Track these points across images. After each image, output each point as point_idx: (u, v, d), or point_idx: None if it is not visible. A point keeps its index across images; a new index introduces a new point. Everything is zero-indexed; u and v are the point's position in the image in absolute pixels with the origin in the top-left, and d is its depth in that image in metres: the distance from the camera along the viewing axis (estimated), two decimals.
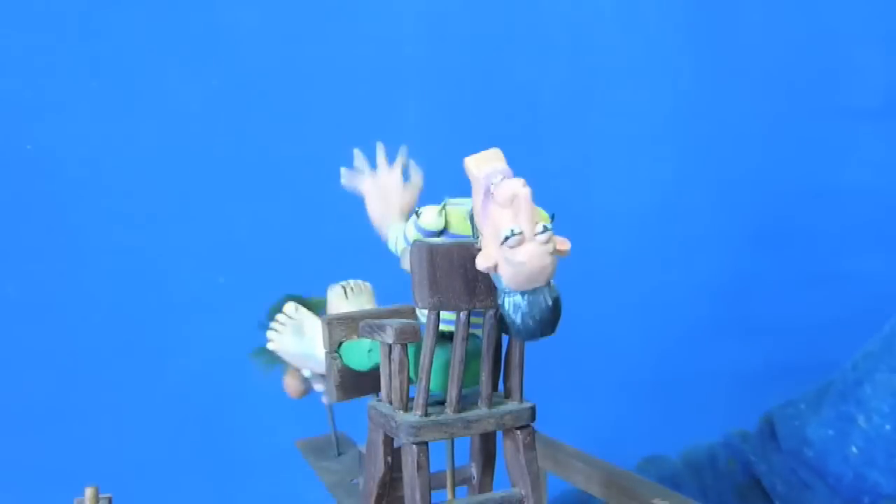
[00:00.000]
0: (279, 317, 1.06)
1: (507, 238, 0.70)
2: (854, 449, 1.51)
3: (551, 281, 0.73)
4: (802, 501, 1.55)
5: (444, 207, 0.83)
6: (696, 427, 1.94)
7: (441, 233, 0.83)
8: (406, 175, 1.02)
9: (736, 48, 2.10)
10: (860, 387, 1.54)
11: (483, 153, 0.75)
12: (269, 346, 1.07)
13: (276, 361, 1.12)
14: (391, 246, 0.94)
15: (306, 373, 1.09)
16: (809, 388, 1.67)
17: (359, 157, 1.04)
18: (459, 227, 0.82)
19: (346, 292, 1.05)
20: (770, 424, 1.67)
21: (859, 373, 1.56)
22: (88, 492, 1.00)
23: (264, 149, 1.76)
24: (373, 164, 1.04)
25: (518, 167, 0.75)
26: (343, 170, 1.04)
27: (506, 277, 0.72)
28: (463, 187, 0.78)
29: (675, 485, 1.63)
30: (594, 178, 2.00)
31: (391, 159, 1.04)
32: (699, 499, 1.45)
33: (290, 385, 1.15)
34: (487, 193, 0.73)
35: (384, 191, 1.01)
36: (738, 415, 2.02)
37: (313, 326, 1.02)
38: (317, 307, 1.09)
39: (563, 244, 0.73)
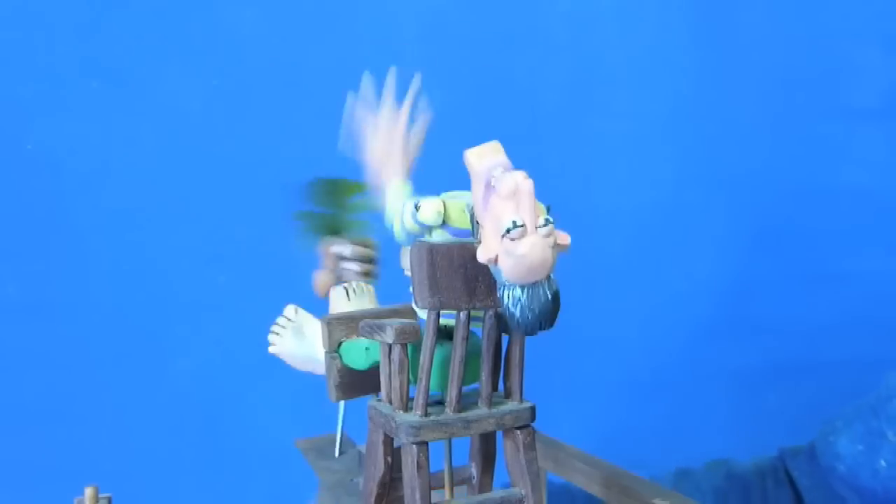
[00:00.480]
0: (279, 320, 1.06)
1: (508, 230, 0.70)
2: (883, 463, 1.52)
3: (551, 275, 0.73)
4: None
5: (442, 201, 0.83)
6: (696, 427, 1.94)
7: (440, 226, 0.83)
8: (412, 120, 0.95)
9: (736, 48, 2.10)
10: (890, 402, 1.56)
11: (483, 145, 0.76)
12: (270, 349, 1.06)
13: (317, 233, 1.09)
14: (388, 221, 0.90)
15: (352, 265, 1.06)
16: (847, 406, 1.70)
17: (367, 86, 0.97)
18: (458, 221, 0.82)
19: (348, 293, 1.05)
20: (813, 442, 1.70)
21: (891, 390, 1.58)
22: (88, 491, 1.00)
23: (264, 148, 1.76)
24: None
25: (518, 166, 0.75)
26: (351, 95, 0.97)
27: (506, 270, 0.72)
28: (464, 185, 0.78)
29: (743, 486, 1.66)
30: (594, 177, 2.00)
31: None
32: None
33: (320, 281, 1.10)
34: (488, 186, 0.73)
35: (387, 138, 0.94)
36: (738, 414, 2.02)
37: (313, 328, 1.01)
38: (349, 191, 1.06)
39: (564, 238, 0.73)
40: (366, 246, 1.09)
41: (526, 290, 0.72)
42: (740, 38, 2.11)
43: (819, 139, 2.12)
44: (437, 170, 0.91)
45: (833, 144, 2.14)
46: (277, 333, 1.05)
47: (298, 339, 1.04)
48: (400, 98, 0.96)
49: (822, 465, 1.63)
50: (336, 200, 1.11)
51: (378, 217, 0.96)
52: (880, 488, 1.52)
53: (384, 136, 0.95)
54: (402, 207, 0.86)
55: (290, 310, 1.06)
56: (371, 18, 1.84)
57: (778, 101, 2.11)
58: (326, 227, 1.10)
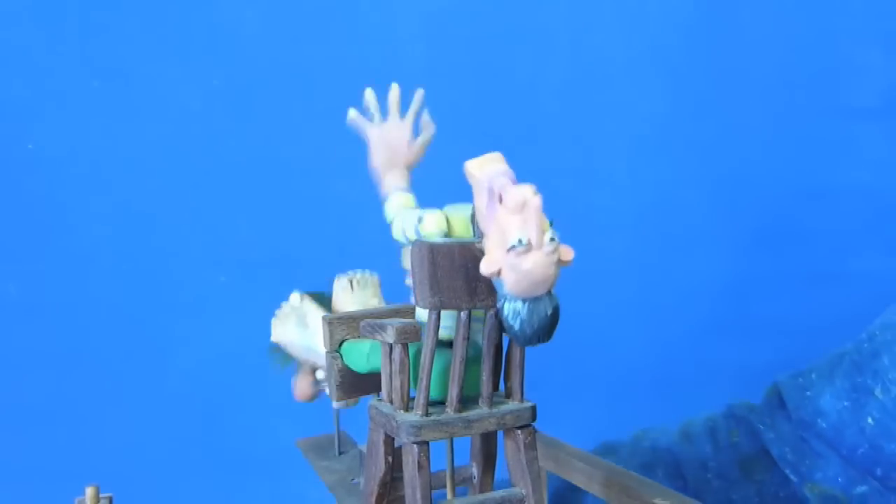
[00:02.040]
0: (283, 306, 1.05)
1: (514, 247, 0.70)
2: (870, 420, 1.50)
3: (552, 290, 0.73)
4: (813, 470, 1.54)
5: (445, 214, 0.83)
6: None
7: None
8: (417, 128, 0.96)
9: (736, 48, 2.10)
10: (877, 358, 1.53)
11: (483, 156, 0.75)
12: (272, 337, 1.05)
13: (290, 360, 1.10)
14: (395, 232, 0.90)
15: (320, 374, 1.07)
16: (820, 359, 1.66)
17: (371, 98, 0.97)
18: (462, 233, 0.82)
19: (351, 285, 1.04)
20: (778, 394, 1.66)
21: (876, 344, 1.55)
22: (89, 491, 1.00)
23: (265, 148, 1.76)
24: (383, 109, 0.97)
25: (518, 167, 0.75)
26: (352, 111, 0.97)
27: (509, 283, 0.72)
28: (464, 185, 0.78)
29: (672, 455, 1.63)
30: (594, 177, 2.00)
31: (404, 106, 0.96)
32: (699, 471, 1.45)
33: (301, 387, 1.11)
34: (491, 194, 0.73)
35: (392, 142, 0.95)
36: None
37: (317, 318, 1.01)
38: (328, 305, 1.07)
39: (567, 254, 0.73)
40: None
41: (527, 304, 0.72)
42: (740, 37, 2.11)
43: (819, 139, 2.12)
44: (437, 172, 0.91)
45: (833, 144, 2.13)
46: (280, 320, 1.05)
47: (301, 329, 1.03)
48: (404, 109, 0.97)
49: (796, 420, 1.59)
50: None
51: None
52: (866, 445, 1.49)
53: (386, 149, 0.95)
54: (406, 216, 0.87)
55: (294, 297, 1.05)
56: (372, 18, 1.84)
57: (778, 101, 2.11)
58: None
